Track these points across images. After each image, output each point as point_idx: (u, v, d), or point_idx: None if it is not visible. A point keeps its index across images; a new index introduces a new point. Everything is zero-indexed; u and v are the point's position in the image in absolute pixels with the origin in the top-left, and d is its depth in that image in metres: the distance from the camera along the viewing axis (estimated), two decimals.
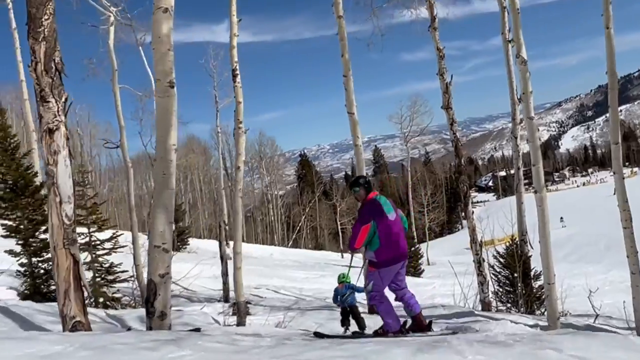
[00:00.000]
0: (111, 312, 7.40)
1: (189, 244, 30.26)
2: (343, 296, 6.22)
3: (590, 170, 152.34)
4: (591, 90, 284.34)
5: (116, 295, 8.65)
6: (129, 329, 6.06)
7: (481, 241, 11.22)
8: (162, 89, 5.24)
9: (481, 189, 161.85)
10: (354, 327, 6.12)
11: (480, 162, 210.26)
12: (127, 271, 9.71)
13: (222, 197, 37.91)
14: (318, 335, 5.41)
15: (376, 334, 5.33)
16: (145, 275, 9.77)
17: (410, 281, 21.74)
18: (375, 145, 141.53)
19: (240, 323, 7.13)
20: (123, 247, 9.22)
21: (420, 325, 5.40)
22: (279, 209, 66.04)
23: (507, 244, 11.90)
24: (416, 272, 30.70)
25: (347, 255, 45.12)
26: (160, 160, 5.28)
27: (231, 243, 29.78)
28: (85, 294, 3.56)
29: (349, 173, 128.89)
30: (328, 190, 73.06)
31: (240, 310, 7.12)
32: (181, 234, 30.10)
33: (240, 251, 7.21)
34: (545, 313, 11.09)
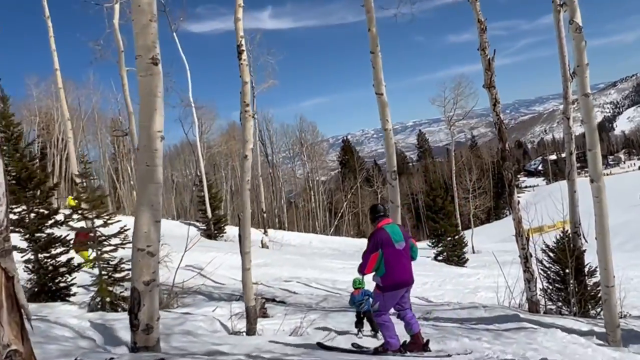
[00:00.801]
0: (110, 315, 6.80)
1: (225, 232, 29.98)
2: (359, 303, 6.70)
3: None
4: None
5: (125, 294, 8.06)
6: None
7: (528, 234, 10.11)
8: (144, 66, 4.50)
9: (530, 174, 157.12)
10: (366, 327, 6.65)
11: (529, 146, 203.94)
12: None
13: (260, 184, 37.72)
14: (321, 346, 5.90)
15: (376, 351, 5.67)
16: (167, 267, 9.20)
17: (453, 272, 20.76)
18: (420, 130, 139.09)
19: (250, 330, 6.39)
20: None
21: (417, 344, 5.64)
22: (320, 195, 65.37)
23: (558, 234, 10.79)
24: (460, 261, 29.57)
25: None
26: (144, 149, 4.55)
27: (270, 231, 29.51)
28: (25, 315, 2.92)
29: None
30: (370, 176, 71.95)
31: (250, 316, 6.38)
32: (218, 222, 29.84)
33: (250, 250, 6.45)
34: (602, 314, 10.08)
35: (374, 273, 5.61)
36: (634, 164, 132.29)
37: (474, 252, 35.71)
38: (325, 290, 13.62)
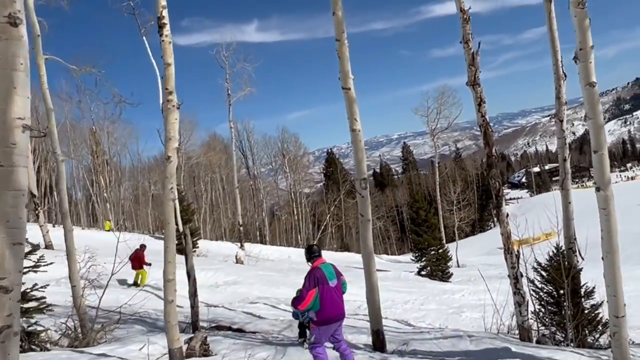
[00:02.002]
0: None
1: (198, 247, 28.47)
2: (302, 313, 6.67)
3: (629, 165, 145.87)
4: (628, 83, 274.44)
5: (38, 329, 6.67)
6: None
7: (518, 252, 8.90)
8: None
9: (514, 186, 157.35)
10: None
11: (512, 159, 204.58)
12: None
13: (237, 196, 36.32)
14: None
15: None
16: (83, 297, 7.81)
17: (437, 287, 19.38)
18: (404, 142, 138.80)
19: None
20: (49, 264, 7.24)
21: None
22: (304, 208, 63.99)
23: (550, 248, 9.64)
24: (444, 276, 28.42)
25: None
26: None
27: (247, 245, 28.07)
28: None
29: (377, 170, 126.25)
30: (354, 189, 70.62)
31: None
32: (190, 236, 28.35)
33: (174, 278, 5.12)
34: (602, 342, 8.87)
35: (309, 309, 5.84)
36: (618, 175, 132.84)
37: (458, 266, 34.58)
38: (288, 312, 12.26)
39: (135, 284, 16.87)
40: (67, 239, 7.27)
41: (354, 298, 17.78)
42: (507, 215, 8.90)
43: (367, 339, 7.97)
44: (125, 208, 52.11)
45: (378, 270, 29.05)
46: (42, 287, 6.96)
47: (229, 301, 14.08)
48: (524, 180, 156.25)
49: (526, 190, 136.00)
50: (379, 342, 7.62)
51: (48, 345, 6.72)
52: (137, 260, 17.29)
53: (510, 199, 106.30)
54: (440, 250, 29.01)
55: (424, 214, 29.07)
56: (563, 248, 9.55)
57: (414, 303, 17.11)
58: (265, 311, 12.31)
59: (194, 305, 8.28)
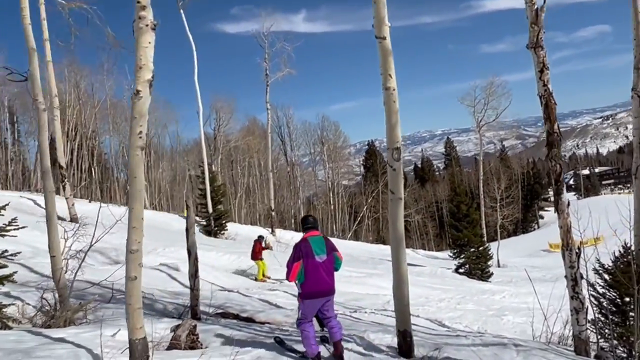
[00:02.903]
0: None
1: (226, 229, 27.60)
2: None
3: None
4: None
5: (3, 303, 5.68)
6: None
7: (579, 249, 7.41)
8: None
9: None
10: None
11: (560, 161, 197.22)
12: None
13: (270, 180, 35.31)
14: (277, 341, 6.12)
15: (303, 356, 5.81)
16: (64, 267, 6.80)
17: (475, 287, 17.79)
18: (448, 137, 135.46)
19: None
20: (20, 228, 6.21)
21: (336, 352, 5.86)
22: (341, 198, 62.78)
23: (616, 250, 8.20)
24: (484, 275, 26.76)
25: (407, 251, 41.05)
26: None
27: (279, 232, 27.14)
28: None
29: (418, 165, 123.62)
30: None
31: (135, 356, 3.90)
32: (219, 218, 27.47)
33: (139, 249, 3.96)
34: None
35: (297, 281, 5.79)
36: None
37: (499, 266, 32.77)
38: None
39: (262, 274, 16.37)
40: (48, 201, 6.28)
41: (384, 292, 16.53)
42: (568, 204, 7.44)
43: (392, 340, 6.72)
44: (163, 188, 52.01)
45: (413, 264, 27.40)
46: (11, 255, 5.96)
47: (248, 287, 13.02)
48: (571, 182, 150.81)
49: (573, 193, 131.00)
50: (405, 345, 6.36)
51: (10, 323, 5.74)
52: (255, 252, 16.76)
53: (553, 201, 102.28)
54: (481, 248, 27.29)
55: (466, 209, 27.36)
56: (633, 248, 8.07)
57: (450, 302, 15.69)
58: (283, 299, 11.18)
59: (193, 288, 7.19)
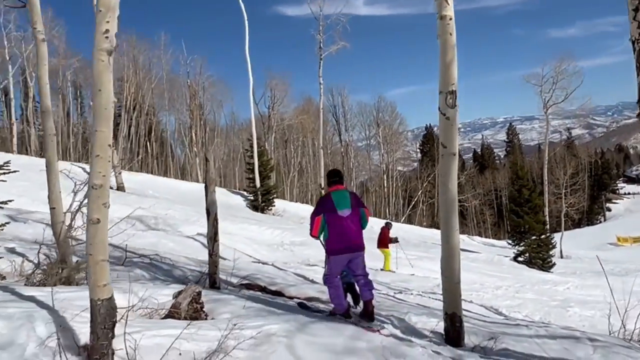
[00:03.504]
0: None
1: (274, 206, 26.92)
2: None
3: None
4: None
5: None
6: None
7: None
8: None
9: (631, 180, 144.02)
10: None
11: (631, 151, 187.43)
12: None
13: (321, 156, 34.44)
14: (302, 306, 6.15)
15: (330, 313, 5.68)
16: (64, 221, 6.04)
17: (536, 277, 16.16)
18: (510, 123, 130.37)
19: (94, 351, 3.03)
20: (12, 172, 5.47)
21: (366, 311, 5.62)
22: (395, 181, 61.27)
23: None
24: (545, 265, 25.02)
25: (462, 237, 38.82)
26: None
27: None
28: None
29: (478, 152, 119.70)
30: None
31: (95, 322, 3.01)
32: (267, 193, 26.81)
33: (105, 184, 3.06)
34: None
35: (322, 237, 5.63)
36: None
37: (562, 257, 30.77)
38: None
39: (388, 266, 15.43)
40: (47, 145, 5.51)
41: (435, 275, 15.36)
42: None
43: (438, 325, 5.65)
44: (216, 165, 52.20)
45: (467, 250, 25.83)
46: (2, 203, 5.25)
47: (286, 261, 12.17)
48: None
49: None
50: (453, 331, 5.27)
51: None
52: (382, 239, 15.73)
53: (626, 193, 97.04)
54: (543, 236, 25.47)
55: (528, 193, 25.51)
56: None
57: (508, 290, 14.35)
58: (321, 275, 10.24)
59: (212, 253, 6.33)
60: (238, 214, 21.20)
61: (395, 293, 9.80)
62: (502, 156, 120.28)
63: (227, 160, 55.48)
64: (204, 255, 10.91)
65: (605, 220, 77.32)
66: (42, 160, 5.87)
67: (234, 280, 7.50)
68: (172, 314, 4.46)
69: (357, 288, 5.86)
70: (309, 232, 5.66)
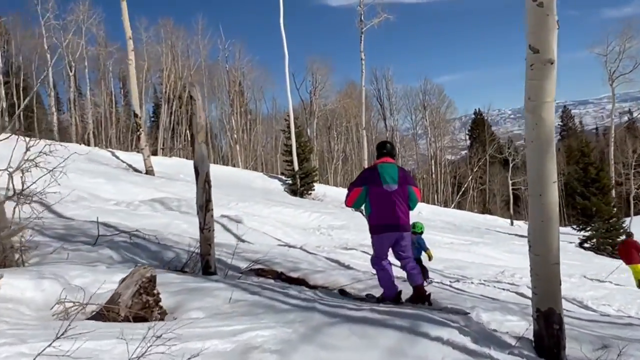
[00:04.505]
0: None
1: (314, 189, 25.22)
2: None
3: None
4: None
5: None
6: None
7: None
8: None
9: None
10: None
11: None
12: None
13: (364, 138, 32.49)
14: (343, 293, 5.40)
15: (378, 300, 5.13)
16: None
17: (608, 264, 13.65)
18: (565, 106, 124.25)
19: None
20: None
21: (420, 296, 5.03)
22: (443, 167, 58.65)
23: None
24: (615, 251, 22.38)
25: (519, 223, 36.19)
26: None
27: None
28: None
29: None
30: (502, 149, 63.98)
31: None
32: (306, 177, 25.11)
33: None
34: None
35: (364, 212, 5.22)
36: None
37: None
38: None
39: None
40: None
41: (495, 262, 13.40)
42: None
43: (522, 326, 3.85)
44: (258, 152, 51.03)
45: (525, 236, 23.70)
46: None
47: (320, 244, 10.46)
48: None
49: None
50: (550, 337, 3.50)
51: None
52: (628, 252, 13.35)
53: None
54: (612, 220, 22.90)
55: (595, 172, 22.91)
56: None
57: (582, 278, 12.22)
58: (359, 261, 8.49)
59: (204, 227, 4.68)
60: (274, 198, 19.65)
61: (451, 282, 7.97)
62: (557, 139, 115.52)
63: (269, 148, 54.19)
64: (221, 237, 9.37)
65: None
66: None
67: (244, 265, 5.85)
68: (106, 312, 2.80)
69: (405, 272, 5.15)
70: (345, 202, 5.25)
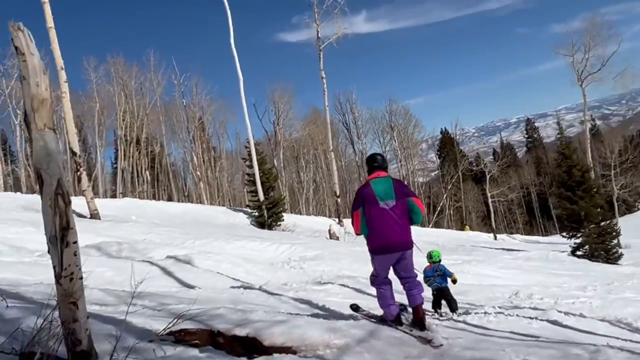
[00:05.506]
0: None
1: (283, 220, 23.16)
2: (427, 279, 6.20)
3: None
4: None
5: None
6: None
7: None
8: None
9: None
10: None
11: None
12: None
13: (332, 160, 30.73)
14: (354, 307, 5.49)
15: (380, 320, 4.93)
16: None
17: (611, 272, 10.77)
18: (528, 118, 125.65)
19: None
20: None
21: (417, 317, 4.66)
22: (416, 188, 57.40)
23: None
24: (610, 256, 21.08)
25: (502, 236, 34.55)
26: None
27: (345, 221, 22.69)
28: None
29: (498, 150, 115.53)
30: (478, 161, 63.41)
31: None
32: (273, 207, 23.00)
33: None
34: None
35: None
36: None
37: (620, 247, 26.61)
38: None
39: None
40: None
41: (497, 281, 11.62)
42: None
43: None
44: (223, 187, 48.78)
45: (513, 250, 22.03)
46: None
47: (288, 281, 8.46)
48: None
49: None
50: None
51: None
52: None
53: None
54: (603, 223, 21.51)
55: (579, 174, 21.51)
56: None
57: (598, 290, 10.54)
58: (337, 298, 6.57)
59: (62, 275, 2.68)
60: (238, 233, 17.60)
61: (458, 315, 6.07)
62: (519, 156, 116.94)
63: (237, 184, 52.00)
64: (159, 284, 7.33)
65: None
66: None
67: (161, 326, 3.85)
68: None
69: (406, 294, 4.81)
70: (355, 231, 4.90)
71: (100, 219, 17.20)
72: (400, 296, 5.02)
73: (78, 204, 19.27)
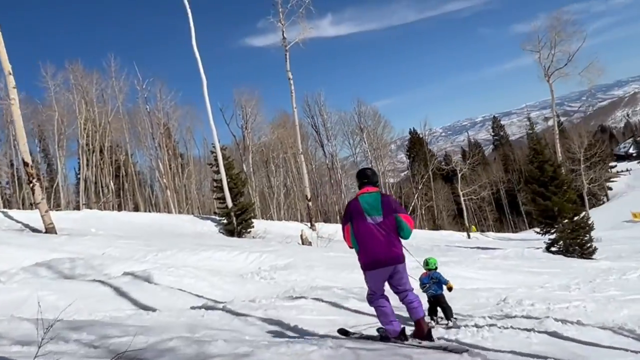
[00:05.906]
0: None
1: (252, 227, 22.34)
2: (423, 286, 6.23)
3: None
4: None
5: None
6: None
7: None
8: None
9: (620, 158, 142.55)
10: None
11: (614, 131, 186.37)
12: None
13: (302, 163, 30.00)
14: (342, 332, 5.23)
15: (382, 337, 4.89)
16: None
17: (589, 267, 9.65)
18: (494, 117, 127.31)
19: None
20: None
21: (419, 331, 4.72)
22: (387, 190, 57.13)
23: None
24: (585, 251, 20.92)
25: (476, 235, 34.23)
26: None
27: (319, 225, 22.02)
28: None
29: (466, 150, 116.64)
30: (448, 160, 63.59)
31: None
32: (242, 213, 22.14)
33: None
34: None
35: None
36: None
37: (592, 241, 26.67)
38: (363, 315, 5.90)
39: None
40: None
41: (477, 284, 11.08)
42: None
43: None
44: (190, 194, 47.54)
45: (488, 248, 21.61)
46: None
47: (256, 296, 7.72)
48: (631, 150, 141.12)
49: (637, 162, 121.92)
50: None
51: None
52: None
53: (620, 171, 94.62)
54: (577, 217, 21.38)
55: (551, 170, 21.34)
56: None
57: (582, 289, 10.12)
58: (311, 315, 5.88)
59: None
60: (205, 242, 16.74)
61: (447, 328, 5.48)
62: (486, 154, 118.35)
63: (206, 190, 50.79)
64: (112, 305, 6.51)
65: (608, 199, 73.69)
66: None
67: None
68: None
69: (405, 306, 4.75)
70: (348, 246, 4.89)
71: (56, 232, 16.13)
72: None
73: (32, 217, 18.15)
